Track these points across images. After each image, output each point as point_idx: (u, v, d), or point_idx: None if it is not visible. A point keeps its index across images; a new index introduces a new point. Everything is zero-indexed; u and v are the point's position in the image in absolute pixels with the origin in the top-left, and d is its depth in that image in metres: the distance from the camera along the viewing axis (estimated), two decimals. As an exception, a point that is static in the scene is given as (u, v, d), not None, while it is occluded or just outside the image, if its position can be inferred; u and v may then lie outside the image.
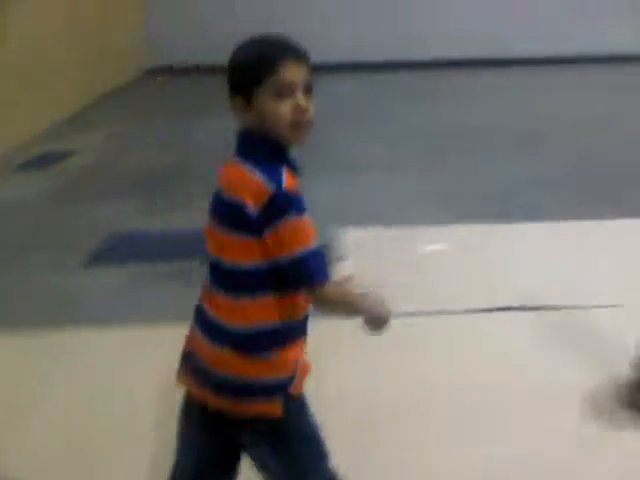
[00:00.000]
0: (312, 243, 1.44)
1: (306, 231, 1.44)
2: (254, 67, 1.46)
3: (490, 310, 3.32)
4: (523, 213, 4.51)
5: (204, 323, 1.56)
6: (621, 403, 2.62)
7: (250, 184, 1.43)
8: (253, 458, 1.62)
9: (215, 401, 1.54)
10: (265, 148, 1.48)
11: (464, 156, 5.94)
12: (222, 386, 1.52)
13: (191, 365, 1.59)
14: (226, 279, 1.50)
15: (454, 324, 3.19)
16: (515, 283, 3.57)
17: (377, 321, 1.56)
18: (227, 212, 1.47)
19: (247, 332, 1.49)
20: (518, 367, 2.86)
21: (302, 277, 1.45)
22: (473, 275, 3.69)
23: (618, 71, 9.52)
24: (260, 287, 1.48)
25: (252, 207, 1.42)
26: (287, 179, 1.44)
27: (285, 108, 1.45)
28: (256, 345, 1.50)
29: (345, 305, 1.54)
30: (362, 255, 3.81)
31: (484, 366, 2.85)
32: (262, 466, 1.62)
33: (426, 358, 2.91)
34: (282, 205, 1.42)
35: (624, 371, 2.64)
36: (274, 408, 1.52)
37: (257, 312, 1.49)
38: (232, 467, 1.65)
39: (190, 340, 1.61)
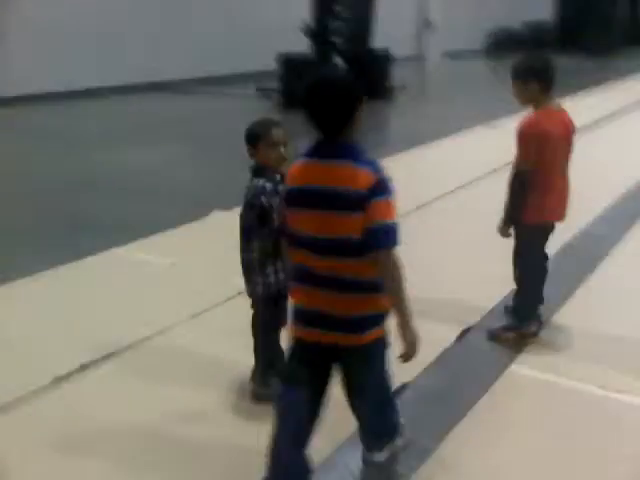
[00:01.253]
0: (396, 219, 2.04)
1: (394, 209, 2.04)
2: (360, 93, 2.08)
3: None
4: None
5: (317, 281, 2.11)
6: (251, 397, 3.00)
7: (361, 175, 2.01)
8: (350, 375, 2.20)
9: (337, 338, 2.13)
10: (357, 149, 2.09)
11: None
12: (345, 323, 2.11)
13: (309, 318, 2.17)
14: (342, 248, 2.06)
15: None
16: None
17: (411, 341, 2.10)
18: (344, 198, 2.02)
19: (372, 280, 2.09)
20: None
21: (387, 238, 2.03)
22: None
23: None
24: (362, 249, 2.05)
25: (364, 190, 2.00)
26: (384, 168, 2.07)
27: None
28: (377, 287, 2.10)
29: (401, 287, 2.07)
30: None
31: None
32: (356, 381, 2.21)
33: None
34: (383, 187, 2.03)
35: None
36: (384, 333, 2.18)
37: (374, 267, 2.07)
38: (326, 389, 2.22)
39: (302, 299, 2.17)
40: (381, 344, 2.19)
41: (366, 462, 2.39)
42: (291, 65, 11.32)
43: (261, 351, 2.91)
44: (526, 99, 3.35)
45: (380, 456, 2.38)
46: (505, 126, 9.18)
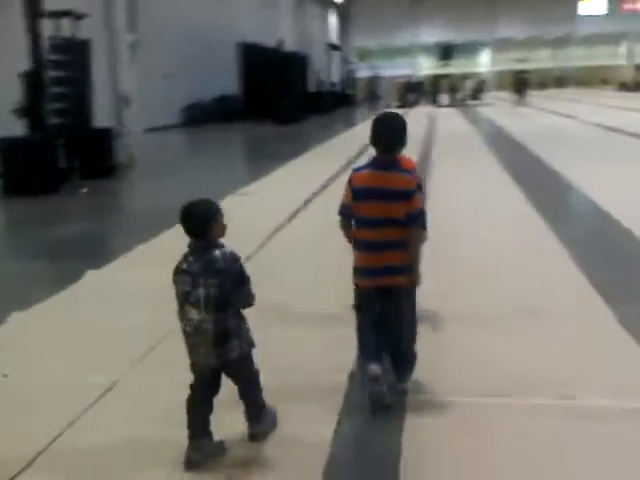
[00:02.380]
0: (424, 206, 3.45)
1: (423, 200, 3.48)
2: (406, 125, 3.44)
3: None
4: None
5: (376, 247, 3.35)
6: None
7: (409, 180, 3.33)
8: (393, 308, 3.40)
9: (388, 280, 3.36)
10: (401, 163, 3.38)
11: None
12: (393, 270, 3.35)
13: (369, 272, 3.39)
14: (393, 224, 3.31)
15: None
16: None
17: (419, 277, 3.43)
18: (397, 194, 3.28)
19: (403, 241, 3.33)
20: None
21: (422, 219, 3.40)
22: None
23: None
24: (403, 224, 3.31)
25: (413, 188, 3.33)
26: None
27: None
28: (406, 246, 3.35)
29: (419, 247, 3.44)
30: None
31: None
32: (397, 313, 3.41)
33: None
34: (420, 186, 3.43)
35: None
36: (412, 279, 3.40)
37: (405, 234, 3.33)
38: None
39: (365, 261, 3.39)
40: (414, 287, 3.45)
41: (394, 390, 3.40)
42: (11, 150, 10.54)
43: (258, 396, 3.04)
44: None
45: (405, 386, 3.46)
46: (256, 193, 9.77)
